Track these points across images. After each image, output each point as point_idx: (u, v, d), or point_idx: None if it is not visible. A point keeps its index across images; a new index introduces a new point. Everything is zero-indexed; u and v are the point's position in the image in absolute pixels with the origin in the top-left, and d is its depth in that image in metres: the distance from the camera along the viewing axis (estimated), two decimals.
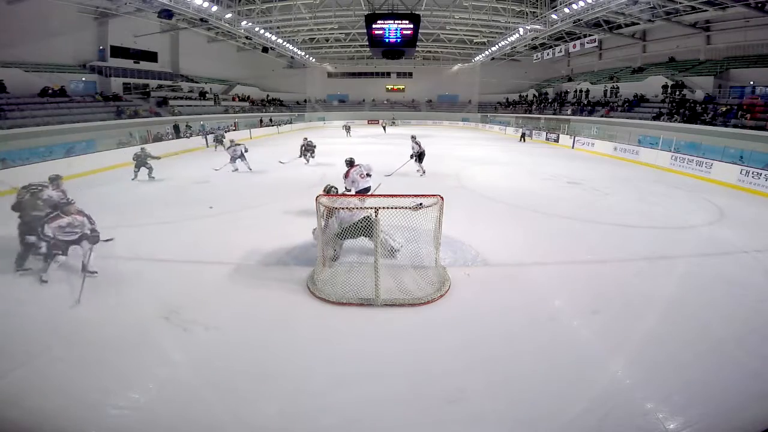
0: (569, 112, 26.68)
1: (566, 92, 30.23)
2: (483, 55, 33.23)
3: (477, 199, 9.11)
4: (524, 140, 24.12)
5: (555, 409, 2.83)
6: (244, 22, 22.15)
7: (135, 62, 24.19)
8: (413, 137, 11.93)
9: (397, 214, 4.30)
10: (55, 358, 3.34)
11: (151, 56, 25.51)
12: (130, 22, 22.03)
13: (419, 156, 11.58)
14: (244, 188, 10.13)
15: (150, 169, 11.20)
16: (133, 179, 11.01)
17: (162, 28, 24.54)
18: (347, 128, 27.64)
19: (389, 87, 43.47)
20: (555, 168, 13.84)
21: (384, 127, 32.30)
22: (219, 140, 18.95)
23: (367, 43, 14.37)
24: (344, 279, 4.61)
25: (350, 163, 7.11)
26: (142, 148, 11.72)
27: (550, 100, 31.58)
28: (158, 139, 18.32)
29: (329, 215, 4.89)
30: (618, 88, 24.17)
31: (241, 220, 7.27)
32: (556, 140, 23.33)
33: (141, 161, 11.07)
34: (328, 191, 5.42)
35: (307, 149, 13.56)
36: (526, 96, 35.56)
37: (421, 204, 4.39)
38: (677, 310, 4.16)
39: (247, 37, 26.50)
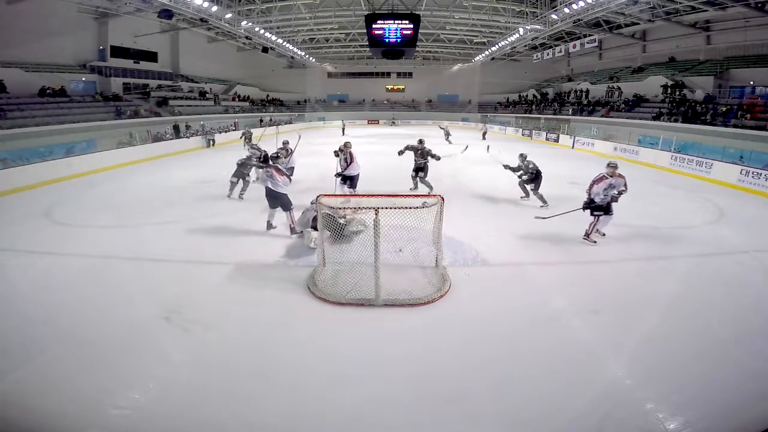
0: (570, 112, 26.67)
1: (568, 92, 30.20)
2: (483, 55, 33.21)
3: (477, 198, 9.11)
4: (485, 138, 24.15)
5: (555, 409, 2.83)
6: (244, 22, 22.13)
7: (135, 62, 24.20)
8: (416, 147, 8.94)
9: (398, 214, 4.30)
10: (54, 358, 3.33)
11: (151, 56, 25.52)
12: (130, 22, 22.05)
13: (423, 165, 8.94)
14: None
15: (245, 184, 8.92)
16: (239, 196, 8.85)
17: (162, 28, 24.55)
18: (451, 132, 22.58)
19: (389, 87, 43.42)
20: (555, 168, 13.78)
21: (342, 129, 28.34)
22: (248, 138, 19.20)
23: (367, 43, 14.36)
24: (344, 279, 4.62)
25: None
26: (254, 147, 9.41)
27: (549, 100, 31.58)
28: (158, 139, 18.33)
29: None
30: (620, 88, 24.11)
31: (241, 219, 7.27)
32: (556, 140, 23.33)
33: (242, 172, 8.83)
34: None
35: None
36: (526, 96, 35.56)
37: (424, 203, 4.41)
38: (677, 310, 4.17)
39: (247, 37, 26.49)
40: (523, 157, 8.38)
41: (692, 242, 6.27)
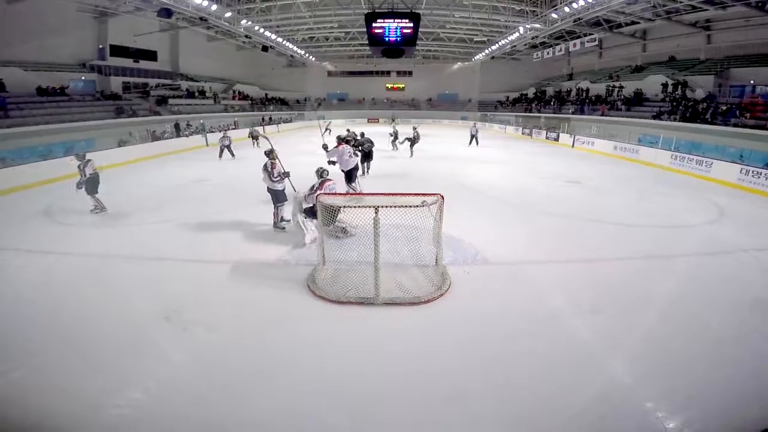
0: (571, 111, 26.61)
1: (569, 91, 30.08)
2: (483, 53, 33.15)
3: (477, 197, 9.11)
4: (477, 142, 20.97)
5: (554, 408, 2.83)
6: (243, 21, 22.09)
7: (134, 61, 24.12)
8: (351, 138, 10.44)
9: (397, 213, 4.29)
10: (54, 357, 3.34)
11: (151, 55, 25.44)
12: (129, 21, 21.97)
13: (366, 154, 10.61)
14: (243, 187, 10.10)
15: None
16: None
17: (161, 27, 24.47)
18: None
19: (389, 86, 43.36)
20: (555, 167, 13.82)
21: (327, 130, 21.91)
22: (254, 137, 19.38)
23: (367, 42, 14.32)
24: (344, 278, 4.62)
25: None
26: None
27: (548, 99, 31.49)
28: (157, 138, 18.31)
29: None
30: (623, 87, 23.96)
31: (241, 218, 7.26)
32: (556, 139, 23.31)
33: None
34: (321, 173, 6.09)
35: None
36: (527, 94, 35.50)
37: (424, 201, 4.40)
38: (677, 310, 4.16)
39: (246, 36, 26.41)
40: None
41: (692, 242, 6.26)
